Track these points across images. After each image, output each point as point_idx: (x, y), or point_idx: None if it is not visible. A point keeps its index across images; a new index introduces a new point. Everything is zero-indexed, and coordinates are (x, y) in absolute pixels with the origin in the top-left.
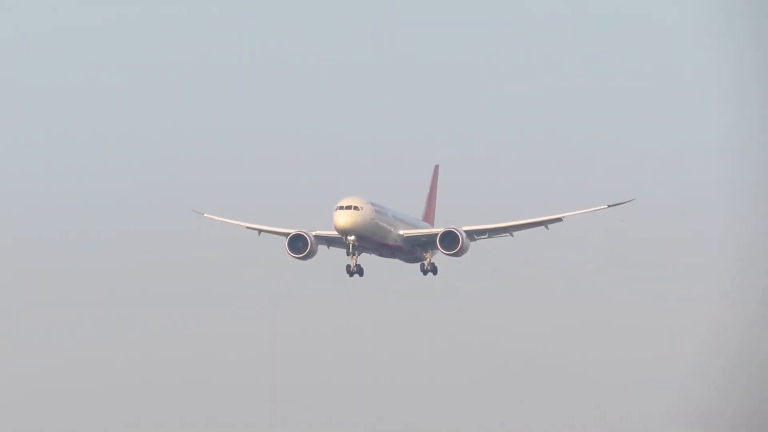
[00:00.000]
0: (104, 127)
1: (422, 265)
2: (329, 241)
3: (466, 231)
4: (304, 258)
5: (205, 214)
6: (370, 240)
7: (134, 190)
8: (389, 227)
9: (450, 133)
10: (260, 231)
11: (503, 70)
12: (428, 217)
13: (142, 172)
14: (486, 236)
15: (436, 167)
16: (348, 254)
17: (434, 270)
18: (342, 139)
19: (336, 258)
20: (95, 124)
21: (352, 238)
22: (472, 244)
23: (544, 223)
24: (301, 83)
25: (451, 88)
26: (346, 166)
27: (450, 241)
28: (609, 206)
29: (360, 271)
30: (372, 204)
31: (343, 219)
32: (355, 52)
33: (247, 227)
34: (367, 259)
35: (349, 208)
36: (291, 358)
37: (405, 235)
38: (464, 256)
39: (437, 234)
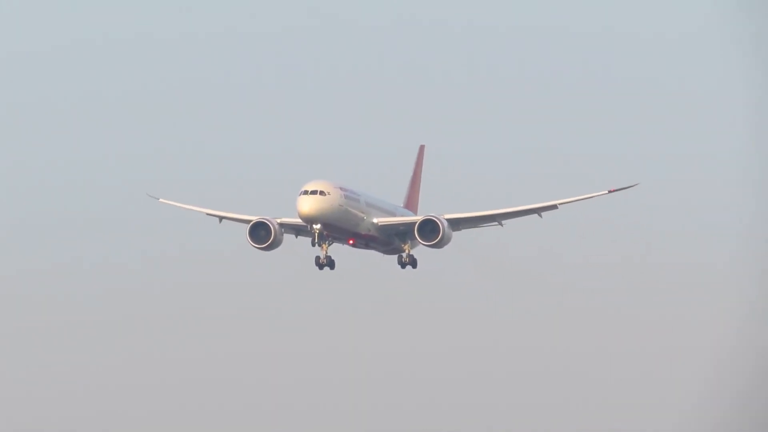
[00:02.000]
0: (60, 111)
1: (400, 258)
2: (297, 230)
3: (448, 219)
4: (268, 248)
5: (160, 200)
6: (339, 229)
7: (85, 175)
8: (361, 214)
9: (437, 113)
10: (221, 218)
11: (496, 59)
12: (411, 203)
13: (98, 156)
14: (472, 226)
15: (422, 147)
16: (313, 245)
17: (413, 263)
18: (315, 117)
19: (304, 249)
20: (50, 106)
21: (318, 226)
22: (457, 234)
23: (536, 211)
24: (268, 61)
25: (442, 71)
26: (320, 147)
27: (430, 230)
28: (610, 192)
29: (331, 263)
30: (341, 188)
31: (307, 205)
32: (331, 37)
33: (207, 214)
34: (339, 251)
35: (314, 192)
36: (251, 358)
37: (379, 224)
38: (447, 247)
39: (416, 222)
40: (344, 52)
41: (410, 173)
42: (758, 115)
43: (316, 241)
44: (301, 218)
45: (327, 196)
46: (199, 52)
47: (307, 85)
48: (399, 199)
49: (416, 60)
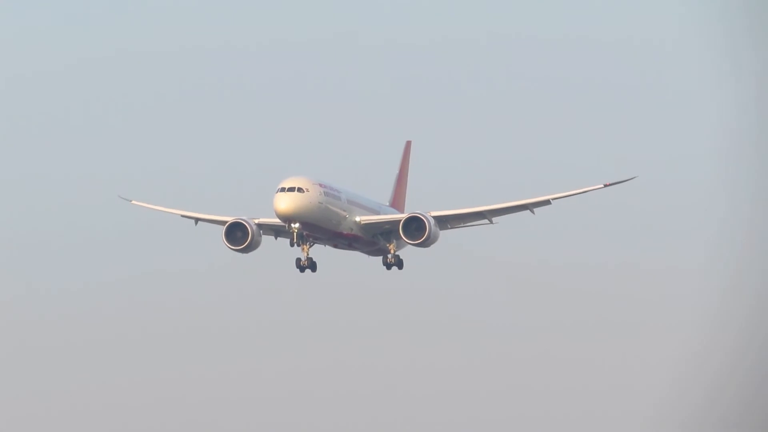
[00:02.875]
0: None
1: (385, 258)
2: (276, 231)
3: (435, 217)
4: (245, 250)
5: (133, 201)
6: (319, 228)
7: (54, 178)
8: (343, 213)
9: (424, 108)
10: (197, 220)
11: (483, 55)
12: (397, 202)
13: (67, 157)
14: (462, 224)
15: (408, 143)
16: (291, 245)
17: (399, 264)
18: (296, 113)
19: (284, 250)
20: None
21: (297, 225)
22: (446, 233)
23: (528, 207)
24: (247, 60)
25: (429, 65)
26: (301, 144)
27: (415, 228)
28: (606, 186)
29: (312, 265)
30: (321, 185)
31: (285, 203)
32: (311, 33)
33: (182, 215)
34: (321, 252)
35: (291, 189)
36: (228, 368)
37: (362, 222)
38: (434, 246)
39: (400, 220)
40: (326, 49)
41: (396, 170)
42: (745, 114)
43: (295, 241)
44: (278, 217)
45: (305, 193)
46: (173, 54)
47: (288, 81)
48: (385, 198)
49: (401, 54)
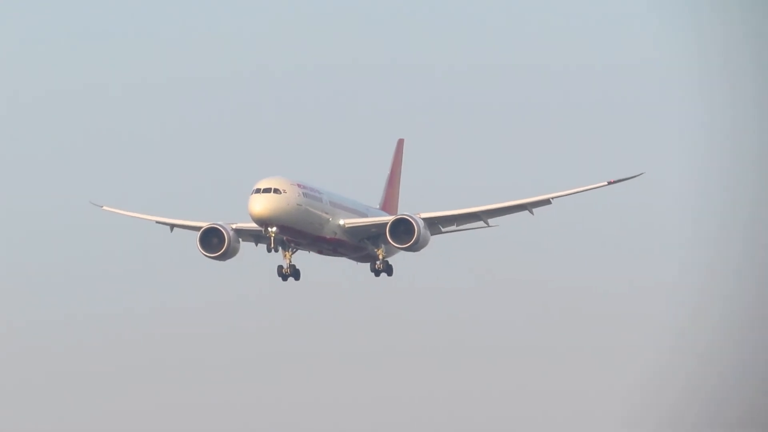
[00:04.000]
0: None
1: (373, 264)
2: (256, 237)
3: (425, 219)
4: (221, 258)
5: (104, 207)
6: (299, 232)
7: (26, 183)
8: (325, 215)
9: (417, 103)
10: (172, 226)
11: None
12: (388, 205)
13: (36, 161)
14: (456, 227)
15: (400, 142)
16: (269, 251)
17: (388, 270)
18: (279, 112)
19: (265, 257)
20: None
21: (274, 229)
22: (438, 237)
23: (527, 207)
24: (232, 57)
25: (425, 57)
26: (285, 145)
27: (404, 231)
28: (610, 183)
29: (295, 273)
30: (299, 185)
31: (260, 205)
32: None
33: (157, 222)
34: (306, 259)
35: (267, 190)
36: (205, 385)
37: (347, 226)
38: (425, 251)
39: (387, 223)
40: (313, 44)
41: (387, 171)
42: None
43: (272, 246)
44: (254, 220)
45: (283, 194)
46: (151, 52)
47: (270, 79)
48: (375, 200)
49: (392, 46)
